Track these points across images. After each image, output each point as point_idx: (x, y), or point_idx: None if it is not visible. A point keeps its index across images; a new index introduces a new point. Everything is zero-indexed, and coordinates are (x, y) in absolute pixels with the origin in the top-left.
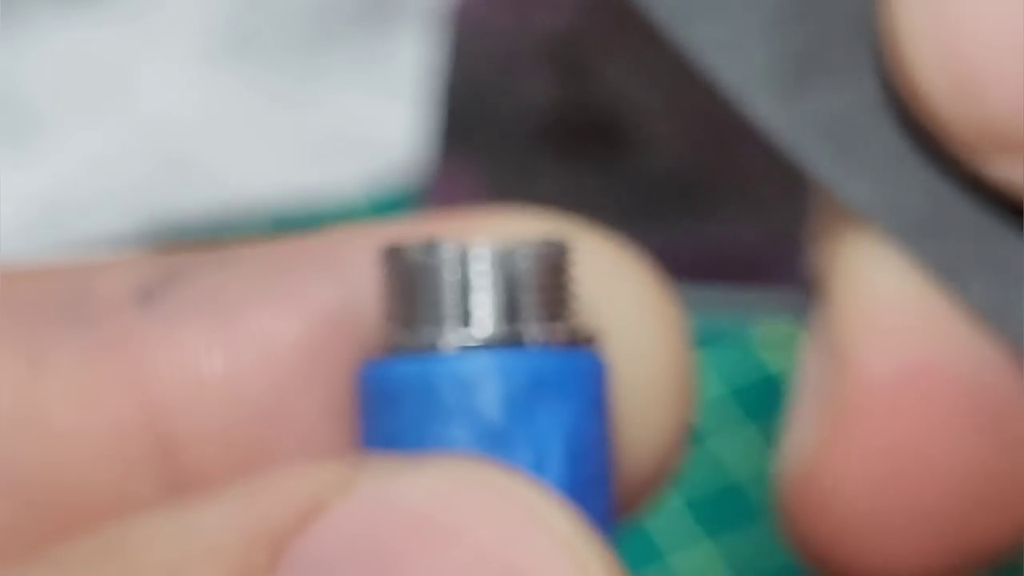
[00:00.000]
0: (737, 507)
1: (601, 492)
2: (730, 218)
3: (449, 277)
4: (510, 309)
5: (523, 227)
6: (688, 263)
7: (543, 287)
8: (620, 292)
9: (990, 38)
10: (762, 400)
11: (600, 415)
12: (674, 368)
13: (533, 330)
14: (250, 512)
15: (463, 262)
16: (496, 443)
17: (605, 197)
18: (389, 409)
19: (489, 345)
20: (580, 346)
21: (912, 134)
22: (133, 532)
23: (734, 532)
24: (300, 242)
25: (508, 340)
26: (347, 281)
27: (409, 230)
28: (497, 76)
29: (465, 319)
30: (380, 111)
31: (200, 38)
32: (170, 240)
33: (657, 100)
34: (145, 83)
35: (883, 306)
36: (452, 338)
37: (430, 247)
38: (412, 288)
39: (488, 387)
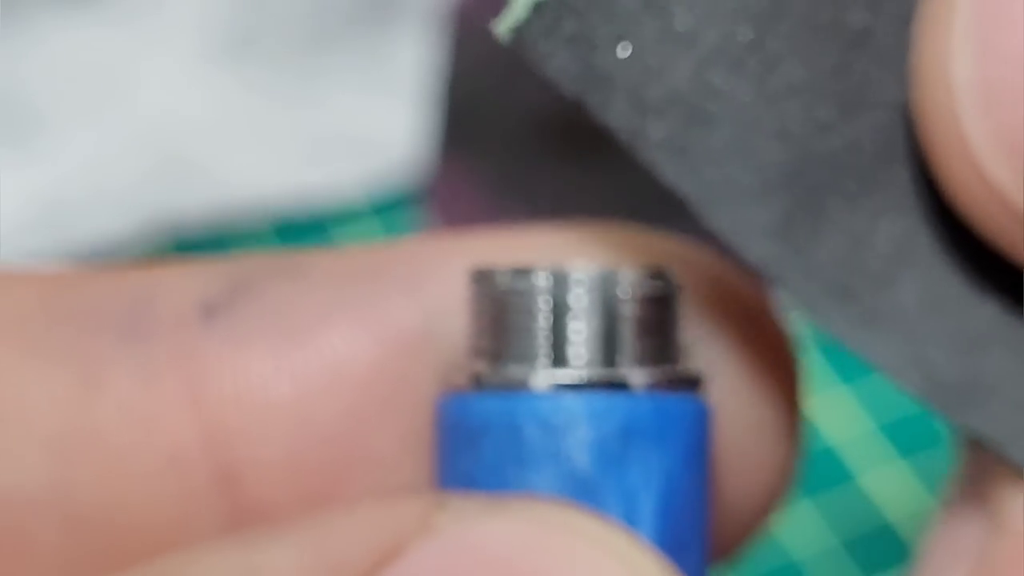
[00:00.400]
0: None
1: (696, 544)
2: None
3: (543, 306)
4: (607, 344)
5: (625, 250)
6: None
7: (645, 321)
8: (728, 325)
9: None
10: None
11: (700, 464)
12: (785, 410)
13: (632, 371)
14: (321, 552)
15: (559, 290)
16: (584, 491)
17: (604, 197)
18: (470, 446)
19: (583, 386)
20: (683, 390)
21: (943, 270)
22: (193, 567)
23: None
24: (378, 254)
25: (603, 381)
26: (429, 301)
27: (498, 246)
28: (497, 76)
29: (558, 353)
30: (380, 111)
31: (200, 39)
32: (170, 239)
33: None
34: (145, 83)
35: None
36: (543, 375)
37: (523, 272)
38: (502, 316)
39: (579, 432)
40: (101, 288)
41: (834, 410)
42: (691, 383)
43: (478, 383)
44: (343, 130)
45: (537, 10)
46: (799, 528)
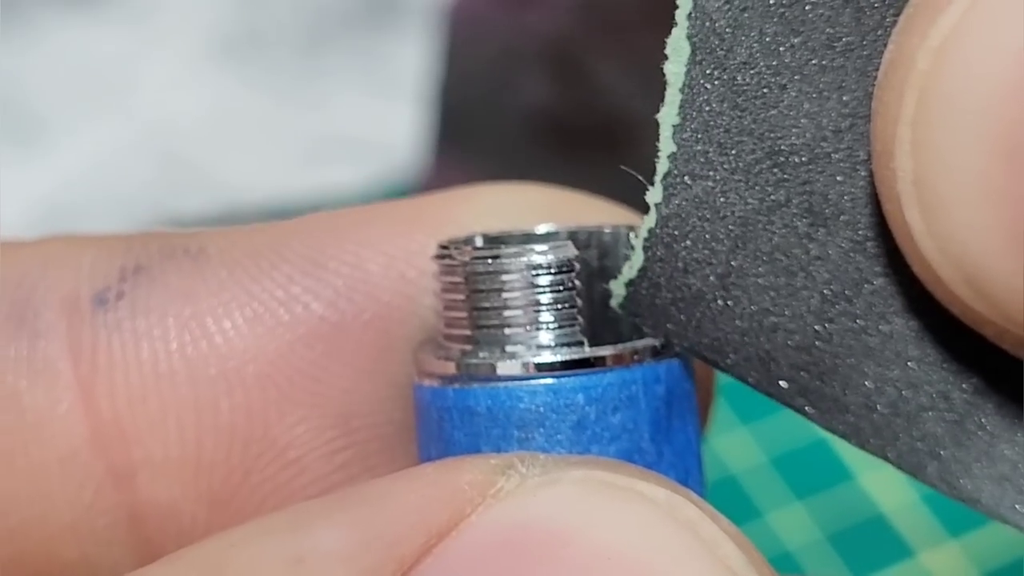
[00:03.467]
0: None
1: (705, 486)
2: None
3: (523, 281)
4: (596, 313)
5: (559, 210)
6: None
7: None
8: None
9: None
10: None
11: (696, 407)
12: None
13: (647, 339)
14: (373, 530)
15: (531, 260)
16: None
17: (602, 196)
18: (477, 432)
19: (597, 360)
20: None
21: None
22: (235, 554)
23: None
24: (278, 230)
25: (628, 352)
26: (335, 281)
27: (410, 215)
28: (495, 77)
29: (551, 328)
30: (380, 112)
31: (201, 40)
32: None
33: (653, 103)
34: (147, 84)
35: None
36: (525, 356)
37: (494, 244)
38: (485, 293)
39: (623, 407)
40: None
41: None
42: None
43: (470, 370)
44: (342, 131)
45: (641, 273)
46: (793, 521)
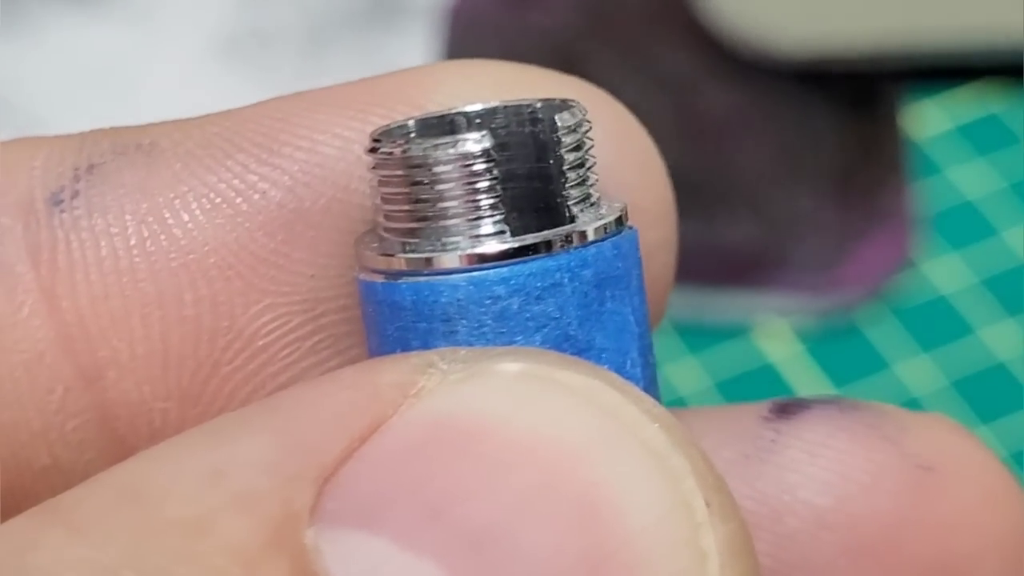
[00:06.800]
0: None
1: (654, 362)
2: (729, 218)
3: (434, 172)
4: (543, 191)
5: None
6: (689, 263)
7: (578, 155)
8: (624, 150)
9: None
10: None
11: (643, 286)
12: (670, 206)
13: (583, 220)
14: (293, 437)
15: (438, 153)
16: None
17: None
18: (424, 328)
19: (533, 247)
20: (622, 223)
21: None
22: (155, 472)
23: None
24: (230, 118)
25: (555, 238)
26: (291, 167)
27: (365, 99)
28: None
29: (493, 211)
30: None
31: (204, 39)
32: None
33: (655, 100)
34: (148, 83)
35: None
36: (489, 243)
37: (429, 126)
38: (421, 182)
39: (552, 291)
40: None
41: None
42: (624, 212)
43: (392, 265)
44: None
45: None
46: None
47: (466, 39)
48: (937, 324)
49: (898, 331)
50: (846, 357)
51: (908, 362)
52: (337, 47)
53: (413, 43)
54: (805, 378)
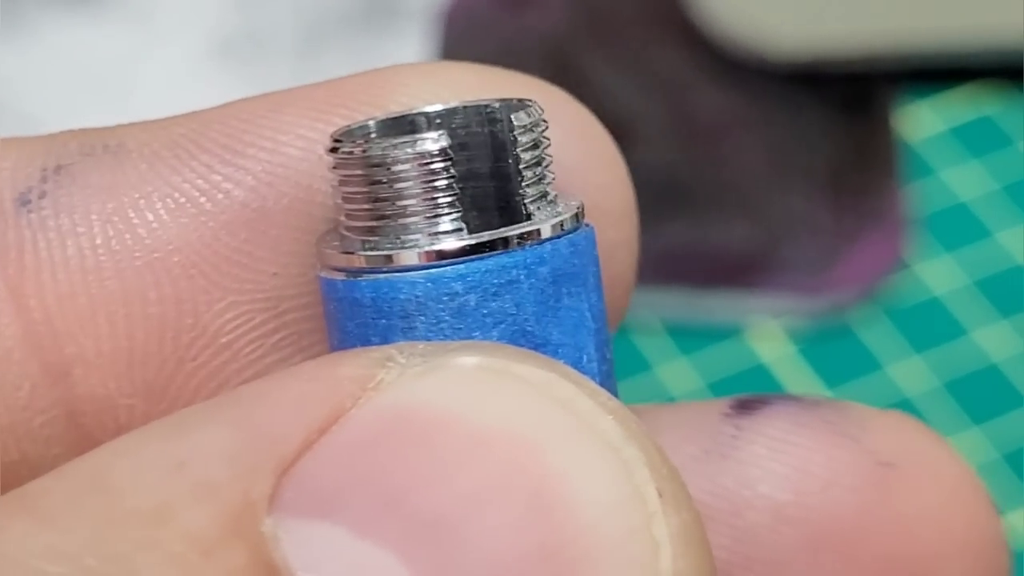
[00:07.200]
0: None
1: (612, 358)
2: (722, 219)
3: (391, 171)
4: (501, 190)
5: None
6: (681, 264)
7: (535, 154)
8: (585, 150)
9: None
10: None
11: (600, 282)
12: (631, 206)
13: (540, 217)
14: (252, 429)
15: (395, 152)
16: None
17: None
18: (382, 325)
19: (490, 244)
20: (579, 219)
21: None
22: (118, 463)
23: None
24: (196, 119)
25: (513, 236)
26: (256, 167)
27: (328, 101)
28: None
29: (450, 210)
30: None
31: (201, 41)
32: None
33: (649, 102)
34: (146, 85)
35: None
36: (448, 241)
37: (391, 124)
38: (380, 181)
39: (510, 288)
40: None
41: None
42: (581, 210)
43: (351, 263)
44: None
45: None
46: None
47: (461, 41)
48: (930, 325)
49: (891, 332)
50: (839, 358)
51: (901, 363)
52: (333, 49)
53: (408, 45)
54: (798, 379)
